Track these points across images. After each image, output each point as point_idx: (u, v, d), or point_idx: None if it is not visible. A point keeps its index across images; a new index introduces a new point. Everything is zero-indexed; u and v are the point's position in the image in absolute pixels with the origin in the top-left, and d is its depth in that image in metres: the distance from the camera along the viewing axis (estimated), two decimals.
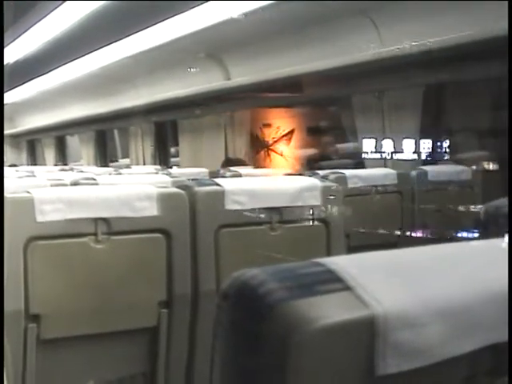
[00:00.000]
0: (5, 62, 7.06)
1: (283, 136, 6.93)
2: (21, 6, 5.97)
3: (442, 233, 3.55)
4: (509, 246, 0.63)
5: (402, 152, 4.44)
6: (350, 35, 4.35)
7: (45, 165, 10.83)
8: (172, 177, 3.67)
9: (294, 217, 2.16)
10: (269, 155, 7.03)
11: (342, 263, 0.59)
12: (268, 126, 7.02)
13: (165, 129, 8.17)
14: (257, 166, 6.56)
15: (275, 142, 6.97)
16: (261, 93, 5.68)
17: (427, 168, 3.98)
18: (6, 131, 11.72)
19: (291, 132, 6.89)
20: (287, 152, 6.90)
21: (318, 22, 4.45)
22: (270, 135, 7.00)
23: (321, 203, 2.17)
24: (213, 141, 6.86)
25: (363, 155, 4.66)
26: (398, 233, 3.55)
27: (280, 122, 6.97)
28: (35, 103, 10.32)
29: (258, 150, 7.06)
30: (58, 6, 5.35)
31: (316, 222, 2.18)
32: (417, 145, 4.37)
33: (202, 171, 4.97)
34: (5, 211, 1.81)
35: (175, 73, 6.48)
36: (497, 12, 2.87)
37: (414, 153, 4.40)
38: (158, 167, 6.03)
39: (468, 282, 0.59)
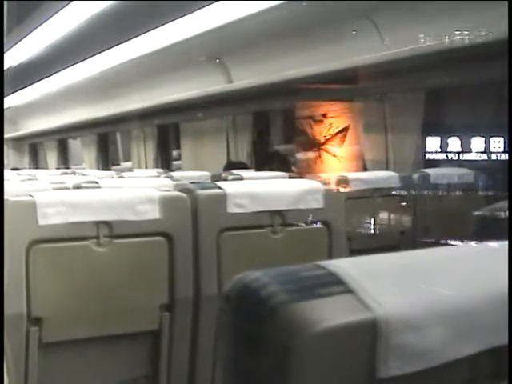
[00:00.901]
0: (8, 65, 7.08)
1: (336, 134, 5.85)
2: (24, 9, 5.98)
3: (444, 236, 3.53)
4: (509, 249, 0.63)
5: (470, 152, 4.00)
6: (353, 38, 4.36)
7: (47, 168, 10.85)
8: (174, 180, 3.67)
9: (296, 220, 2.16)
10: (320, 156, 6.04)
11: (344, 266, 0.59)
12: (319, 122, 5.99)
13: (167, 132, 8.19)
14: (308, 168, 5.84)
15: (328, 140, 5.93)
16: (311, 84, 4.99)
17: (429, 171, 3.98)
18: (9, 134, 11.74)
19: (345, 129, 5.78)
20: (340, 152, 5.85)
21: (319, 25, 4.45)
22: (321, 133, 5.97)
23: (323, 206, 2.17)
24: (215, 144, 6.86)
25: (427, 156, 4.19)
26: (400, 236, 3.55)
27: (333, 118, 5.92)
28: (38, 106, 10.35)
29: (307, 150, 6.16)
30: (61, 9, 5.37)
31: (318, 225, 2.18)
32: (487, 143, 3.94)
33: (204, 174, 4.98)
34: (7, 214, 1.81)
35: (176, 76, 6.49)
36: (498, 14, 2.87)
37: (483, 152, 3.94)
38: (160, 170, 6.04)
39: (469, 285, 0.59)
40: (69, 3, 5.22)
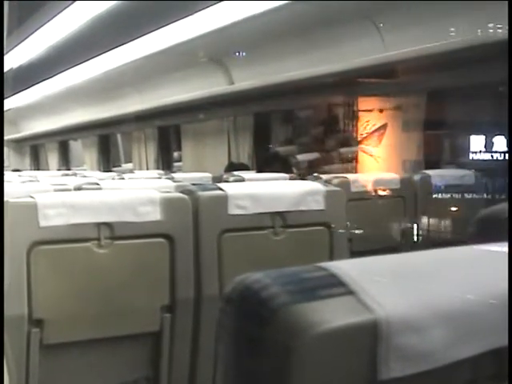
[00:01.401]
0: (9, 67, 7.08)
1: (373, 132, 5.40)
2: (25, 11, 5.99)
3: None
4: (509, 250, 0.63)
5: None
6: (353, 40, 4.36)
7: (48, 169, 10.85)
8: (175, 181, 3.67)
9: (297, 221, 2.16)
10: (356, 156, 5.65)
11: (345, 267, 0.59)
12: (356, 119, 5.66)
13: (168, 133, 8.19)
14: (342, 169, 5.44)
15: (364, 139, 5.48)
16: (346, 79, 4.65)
17: (430, 172, 3.97)
18: (10, 136, 11.75)
19: (383, 127, 5.32)
20: (378, 152, 5.38)
21: (320, 26, 4.45)
22: (357, 131, 5.60)
23: (324, 207, 2.17)
24: (216, 145, 6.86)
25: (471, 156, 3.84)
26: (401, 237, 3.54)
27: (369, 115, 5.48)
28: (39, 108, 10.35)
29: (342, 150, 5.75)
30: (62, 11, 5.37)
31: (319, 227, 2.18)
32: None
33: (205, 176, 4.98)
34: (8, 216, 1.81)
35: (178, 77, 6.49)
36: (499, 15, 2.87)
37: None
38: (162, 172, 6.04)
39: (470, 286, 0.59)
40: (69, 5, 5.22)
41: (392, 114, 5.21)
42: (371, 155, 5.45)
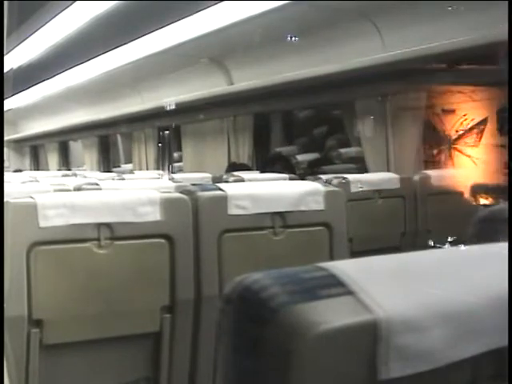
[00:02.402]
0: (9, 67, 7.08)
1: (472, 128, 4.55)
2: (24, 12, 5.99)
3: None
4: (509, 251, 0.63)
5: None
6: (353, 40, 4.36)
7: (48, 170, 10.84)
8: (175, 182, 3.67)
9: (296, 221, 2.16)
10: (451, 157, 4.72)
11: (345, 267, 0.59)
12: (450, 112, 4.71)
13: (168, 133, 8.18)
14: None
15: (461, 136, 4.63)
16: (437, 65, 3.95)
17: (431, 172, 3.97)
18: (10, 136, 11.75)
19: (483, 123, 4.47)
20: (477, 153, 4.52)
21: (320, 27, 4.45)
22: (453, 127, 4.67)
23: (324, 208, 2.17)
24: (216, 145, 6.85)
25: None
26: (401, 237, 3.54)
27: (466, 108, 4.57)
28: (39, 108, 10.34)
29: (433, 149, 4.84)
30: (62, 11, 5.37)
31: (319, 227, 2.18)
32: None
33: (205, 176, 4.98)
34: (8, 216, 1.81)
35: (177, 77, 6.49)
36: (498, 16, 2.86)
37: None
38: (161, 172, 6.04)
39: (470, 286, 0.59)
40: (69, 5, 5.22)
41: (494, 106, 4.36)
42: (469, 156, 4.61)
